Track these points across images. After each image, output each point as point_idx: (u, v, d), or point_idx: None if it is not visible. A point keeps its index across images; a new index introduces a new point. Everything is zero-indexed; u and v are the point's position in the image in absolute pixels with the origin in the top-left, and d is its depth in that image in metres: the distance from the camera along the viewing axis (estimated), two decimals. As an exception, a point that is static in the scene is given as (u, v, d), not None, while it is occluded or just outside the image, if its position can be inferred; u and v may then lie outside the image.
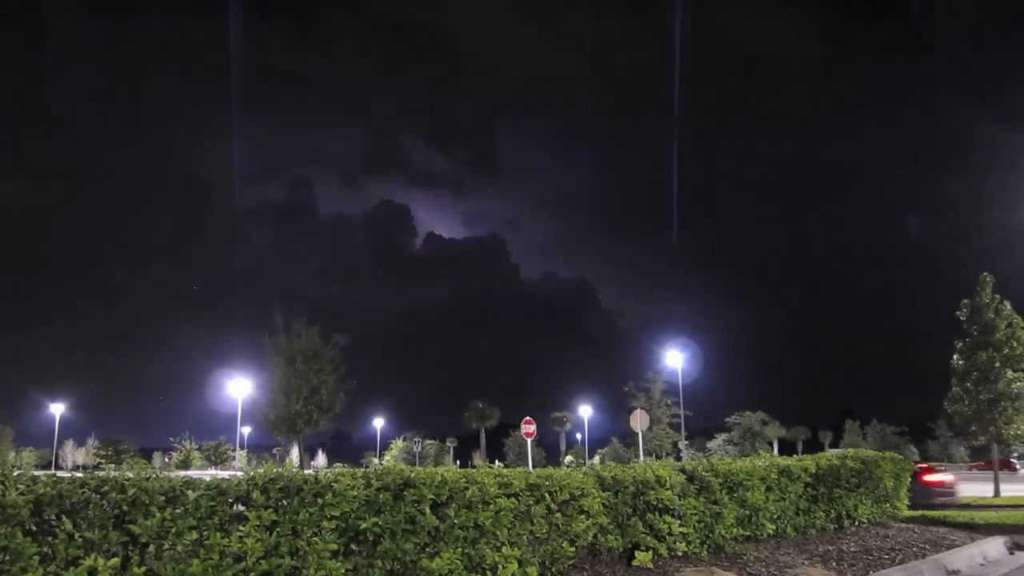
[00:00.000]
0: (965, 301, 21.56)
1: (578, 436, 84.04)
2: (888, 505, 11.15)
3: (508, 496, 5.83)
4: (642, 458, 36.37)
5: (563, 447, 79.15)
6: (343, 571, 4.74)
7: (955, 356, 21.67)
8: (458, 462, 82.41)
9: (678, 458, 39.19)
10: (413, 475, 5.43)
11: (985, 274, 21.39)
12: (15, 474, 4.14)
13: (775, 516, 8.72)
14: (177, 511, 4.32)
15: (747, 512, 8.26)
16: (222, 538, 4.40)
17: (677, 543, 7.22)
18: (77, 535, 4.02)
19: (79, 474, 4.38)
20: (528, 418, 32.04)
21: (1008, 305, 20.88)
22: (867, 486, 10.50)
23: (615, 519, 6.84)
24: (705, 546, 7.56)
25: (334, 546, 4.77)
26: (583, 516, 6.44)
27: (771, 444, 76.16)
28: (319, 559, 4.66)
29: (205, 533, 4.37)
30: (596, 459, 77.93)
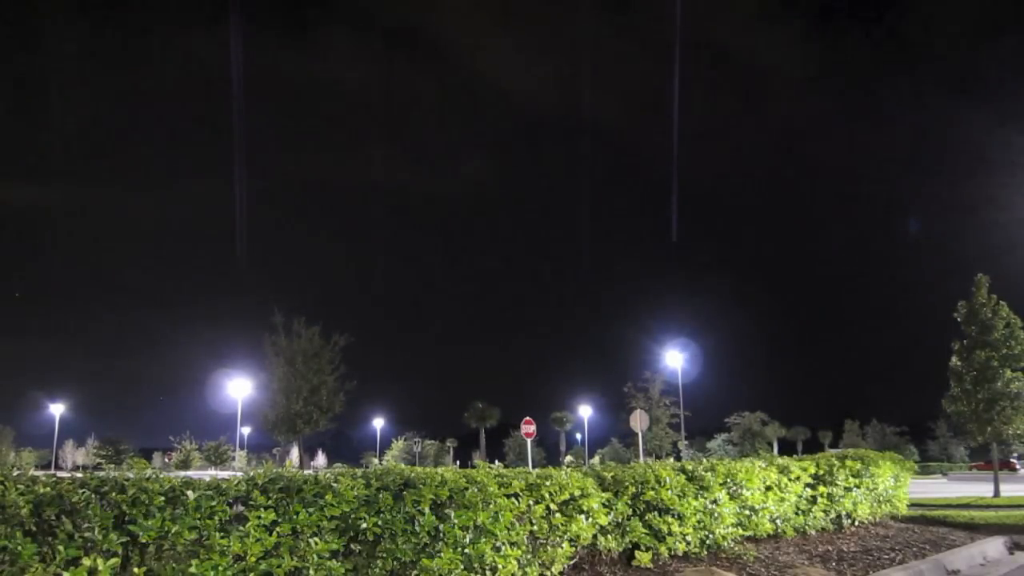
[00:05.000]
0: (961, 302, 21.56)
1: (578, 436, 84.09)
2: (888, 505, 11.16)
3: (508, 496, 5.83)
4: (642, 458, 36.38)
5: (563, 447, 79.13)
6: (343, 571, 4.74)
7: (953, 357, 21.67)
8: (458, 462, 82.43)
9: (678, 458, 39.19)
10: (413, 475, 5.44)
11: (980, 275, 21.40)
12: (15, 474, 4.15)
13: (775, 516, 8.72)
14: (177, 511, 4.32)
15: (747, 512, 8.26)
16: (222, 538, 4.40)
17: (677, 543, 7.22)
18: (77, 535, 4.02)
19: (79, 474, 4.38)
20: (528, 418, 32.11)
21: (1005, 305, 20.88)
22: (867, 486, 10.51)
23: (615, 519, 6.84)
24: (705, 546, 7.57)
25: (334, 546, 4.78)
26: (583, 516, 6.44)
27: (771, 444, 76.20)
28: (319, 559, 4.66)
29: (205, 533, 4.38)
30: (596, 459, 77.96)
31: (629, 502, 7.03)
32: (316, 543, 4.69)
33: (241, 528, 4.53)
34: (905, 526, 10.89)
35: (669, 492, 7.30)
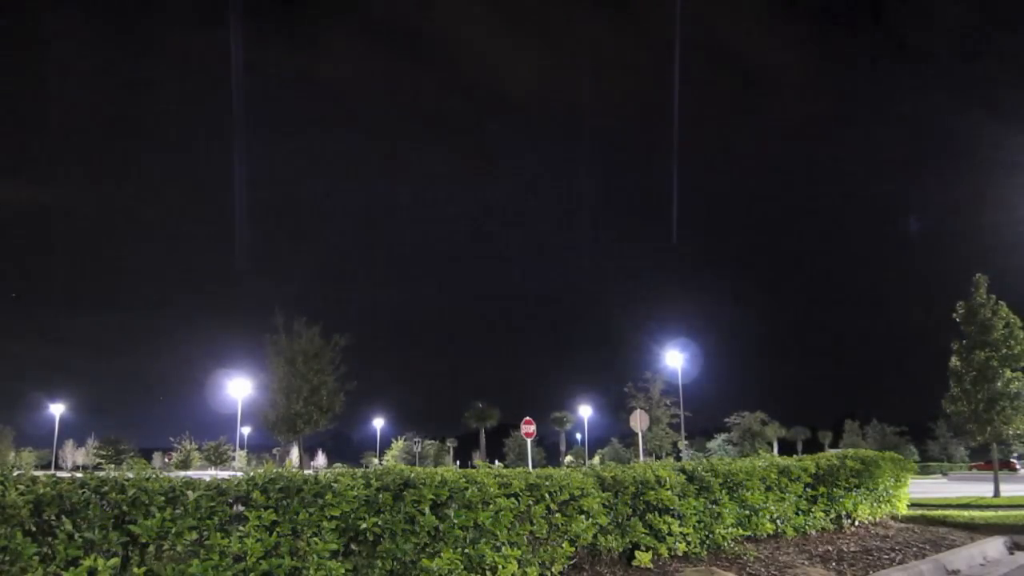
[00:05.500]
0: (960, 302, 21.55)
1: (578, 436, 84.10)
2: (888, 505, 11.15)
3: (508, 496, 5.83)
4: (642, 458, 36.38)
5: (563, 447, 79.13)
6: (343, 571, 4.74)
7: (953, 357, 21.67)
8: (458, 462, 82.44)
9: (678, 458, 39.19)
10: (413, 475, 5.44)
11: (979, 275, 21.40)
12: (15, 474, 4.15)
13: (775, 516, 8.72)
14: (177, 511, 4.32)
15: (747, 512, 8.26)
16: (222, 538, 4.40)
17: (677, 543, 7.22)
18: (77, 535, 4.02)
19: (79, 474, 4.38)
20: (528, 418, 32.08)
21: (1005, 305, 20.87)
22: (867, 486, 10.50)
23: (615, 519, 6.84)
24: (705, 546, 7.57)
25: (334, 546, 4.77)
26: (583, 516, 6.44)
27: (771, 444, 76.11)
28: (319, 559, 4.66)
29: (205, 533, 4.38)
30: (596, 459, 78.00)
31: (629, 502, 7.03)
32: (316, 543, 4.69)
33: (241, 528, 4.53)
34: (905, 526, 10.88)
35: (669, 492, 7.30)
